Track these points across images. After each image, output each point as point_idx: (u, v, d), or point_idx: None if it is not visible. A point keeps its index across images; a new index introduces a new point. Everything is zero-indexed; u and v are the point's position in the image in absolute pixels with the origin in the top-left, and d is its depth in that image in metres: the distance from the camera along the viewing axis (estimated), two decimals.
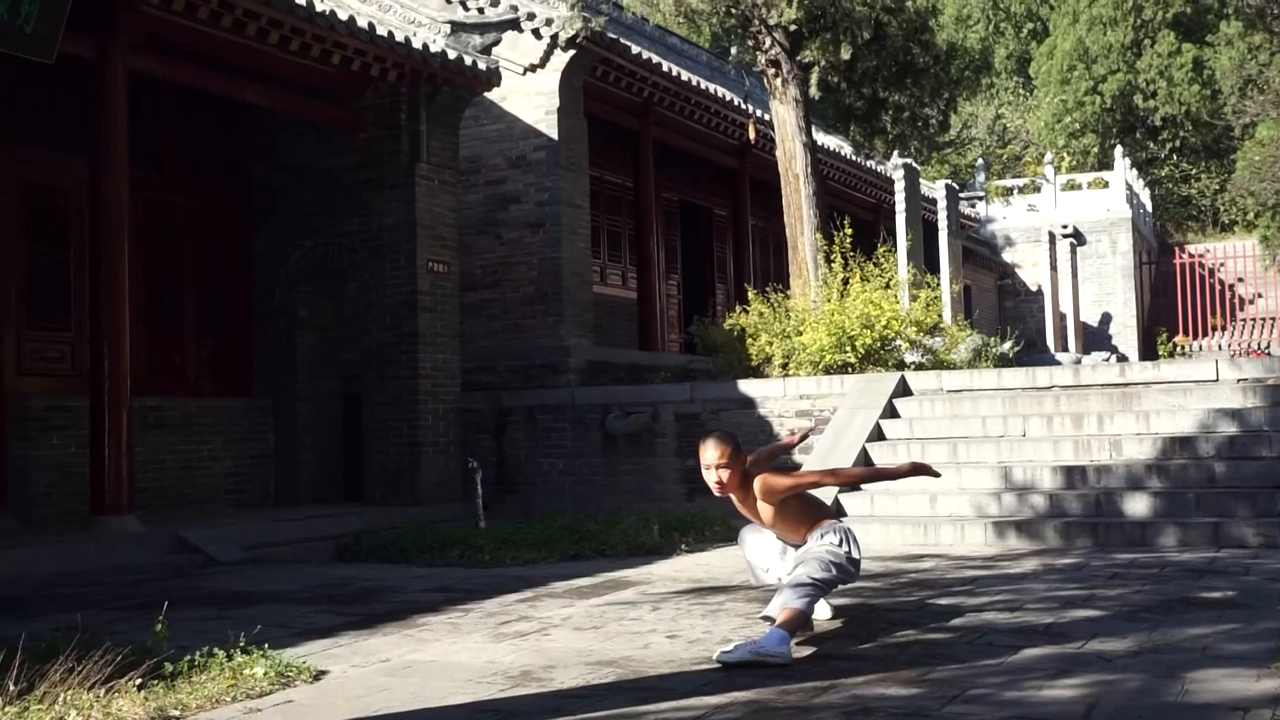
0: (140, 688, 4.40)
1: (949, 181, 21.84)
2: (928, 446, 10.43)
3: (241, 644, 5.03)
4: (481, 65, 12.75)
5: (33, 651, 4.57)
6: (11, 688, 4.17)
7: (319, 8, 11.01)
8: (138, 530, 9.84)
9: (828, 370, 12.23)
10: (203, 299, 12.80)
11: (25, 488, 10.59)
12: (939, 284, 17.75)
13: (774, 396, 11.82)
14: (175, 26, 10.39)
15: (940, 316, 13.87)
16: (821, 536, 5.44)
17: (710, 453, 5.36)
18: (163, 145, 12.38)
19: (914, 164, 18.94)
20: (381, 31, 11.50)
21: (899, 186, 18.14)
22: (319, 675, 4.84)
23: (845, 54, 13.87)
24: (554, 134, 14.18)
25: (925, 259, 18.33)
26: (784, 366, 12.65)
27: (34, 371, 11.03)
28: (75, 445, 10.64)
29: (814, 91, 14.51)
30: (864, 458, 10.35)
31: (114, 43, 10.09)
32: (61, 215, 11.37)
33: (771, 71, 14.51)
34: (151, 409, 11.55)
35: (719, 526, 10.28)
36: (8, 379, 10.68)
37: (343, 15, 11.13)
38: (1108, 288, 31.87)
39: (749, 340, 13.12)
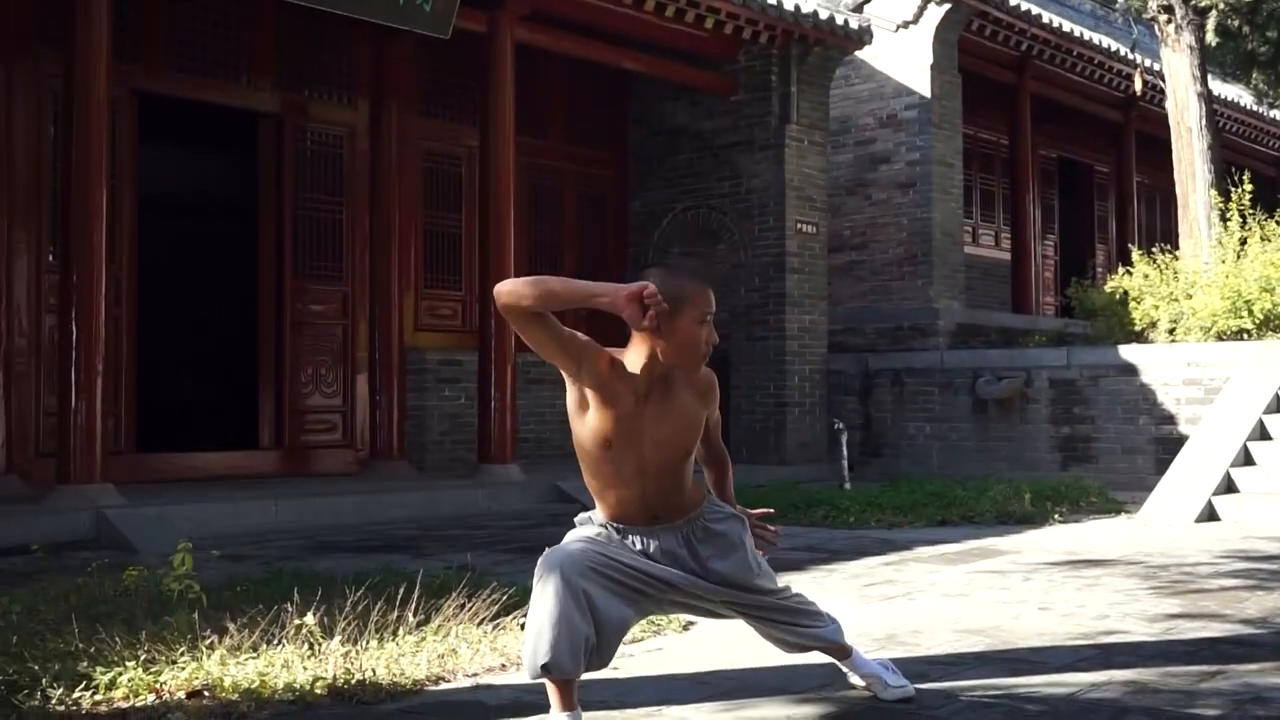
0: (524, 627, 4.66)
1: None
2: None
3: None
4: (853, 24, 12.62)
5: (428, 586, 4.93)
6: (411, 619, 4.52)
7: None
8: (519, 478, 10.40)
9: (1219, 336, 11.43)
10: (580, 260, 13.33)
11: (420, 435, 11.43)
12: None
13: (1158, 363, 11.17)
14: None
15: None
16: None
17: None
18: (545, 112, 12.97)
19: None
20: None
21: None
22: (688, 625, 4.97)
23: None
24: (926, 92, 13.86)
25: None
26: (1170, 332, 11.93)
27: (429, 328, 11.90)
28: (465, 397, 11.40)
29: (1210, 37, 13.52)
30: (1260, 430, 9.63)
31: (503, 17, 10.62)
32: (455, 181, 12.15)
33: (1164, 18, 13.61)
34: (533, 364, 12.13)
35: (1095, 498, 9.87)
36: (408, 335, 11.53)
37: None
38: None
39: (1132, 304, 12.44)
